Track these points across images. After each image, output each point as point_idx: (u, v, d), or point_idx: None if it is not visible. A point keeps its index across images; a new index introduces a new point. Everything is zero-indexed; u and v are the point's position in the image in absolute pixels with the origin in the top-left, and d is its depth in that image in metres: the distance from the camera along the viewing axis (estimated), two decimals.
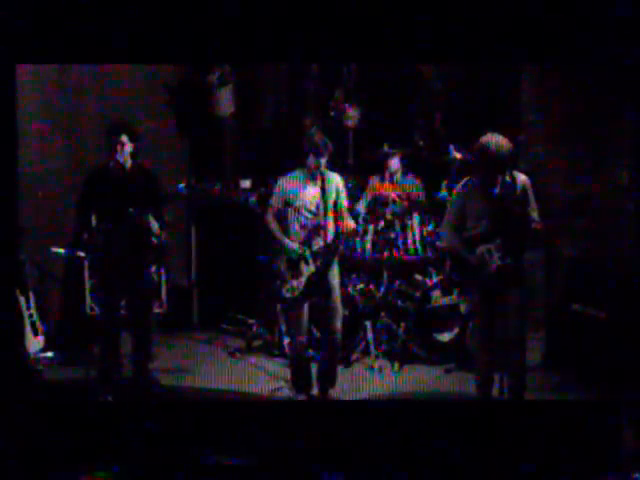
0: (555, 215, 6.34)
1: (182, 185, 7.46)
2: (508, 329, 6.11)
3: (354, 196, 7.97)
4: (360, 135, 8.95)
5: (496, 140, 6.02)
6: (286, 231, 6.65)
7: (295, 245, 6.59)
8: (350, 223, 6.69)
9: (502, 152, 5.99)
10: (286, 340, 7.56)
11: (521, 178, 6.11)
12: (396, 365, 7.53)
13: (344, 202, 6.70)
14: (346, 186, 6.93)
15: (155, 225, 6.68)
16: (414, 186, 8.12)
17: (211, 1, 6.36)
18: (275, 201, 6.67)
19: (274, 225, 6.66)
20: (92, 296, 7.99)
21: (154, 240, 6.72)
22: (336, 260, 6.67)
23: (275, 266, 6.71)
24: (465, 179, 6.23)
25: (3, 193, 6.47)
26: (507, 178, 6.07)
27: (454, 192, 6.30)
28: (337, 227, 6.66)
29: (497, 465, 5.72)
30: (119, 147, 6.63)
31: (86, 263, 7.96)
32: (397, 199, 7.95)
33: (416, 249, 7.89)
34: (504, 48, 6.39)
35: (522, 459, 5.77)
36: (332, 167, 6.72)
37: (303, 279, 6.56)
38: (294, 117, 9.28)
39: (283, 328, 7.76)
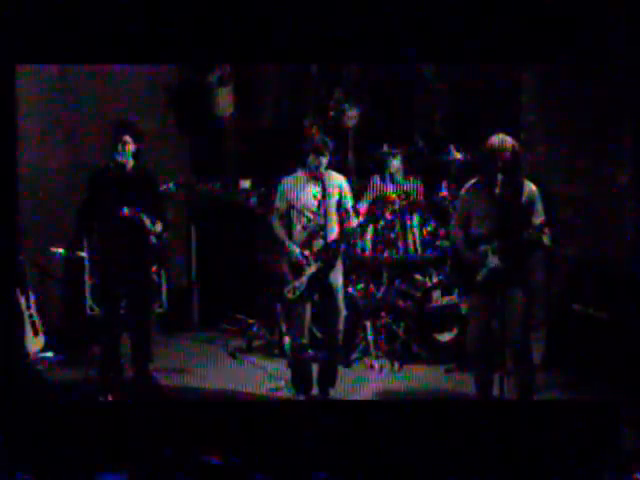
0: (555, 215, 6.33)
1: (172, 184, 7.49)
2: (512, 331, 6.11)
3: (356, 196, 7.96)
4: (360, 135, 8.94)
5: (500, 139, 6.02)
6: (289, 231, 6.64)
7: (298, 250, 6.57)
8: (353, 223, 6.68)
9: (502, 151, 5.99)
10: (286, 340, 7.56)
11: (530, 187, 6.10)
12: (396, 365, 7.54)
13: (348, 202, 6.70)
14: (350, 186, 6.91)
15: (158, 225, 6.67)
16: (415, 187, 8.12)
17: (211, 1, 6.36)
18: (278, 203, 6.67)
19: (279, 228, 6.65)
20: (92, 296, 8.00)
21: (153, 240, 6.72)
22: (339, 261, 6.66)
23: (277, 266, 6.72)
24: (473, 179, 6.24)
25: (3, 193, 6.46)
26: (518, 183, 6.05)
27: (462, 190, 6.30)
28: (341, 227, 6.65)
29: (497, 465, 5.72)
30: (121, 147, 6.61)
31: (86, 263, 7.97)
32: (397, 199, 7.94)
33: (416, 249, 7.89)
34: (504, 48, 6.39)
35: (522, 459, 5.76)
36: (333, 167, 6.72)
37: (305, 279, 6.56)
38: (294, 117, 9.28)
39: (283, 328, 7.77)
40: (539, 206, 6.09)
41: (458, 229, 6.26)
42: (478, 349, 6.26)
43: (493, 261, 6.04)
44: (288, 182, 6.66)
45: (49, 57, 6.61)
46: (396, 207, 7.87)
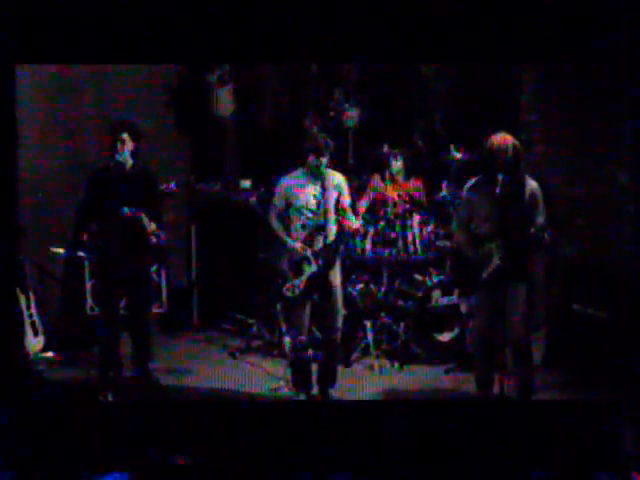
0: (555, 215, 6.33)
1: (173, 183, 7.48)
2: (513, 330, 6.12)
3: (355, 196, 7.95)
4: (360, 135, 8.94)
5: (500, 138, 6.03)
6: (288, 231, 6.64)
7: (296, 244, 6.58)
8: (353, 222, 6.68)
9: (503, 150, 5.99)
10: (286, 340, 7.55)
11: (531, 184, 6.10)
12: (396, 365, 7.54)
13: (347, 201, 6.70)
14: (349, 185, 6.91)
15: (152, 224, 6.66)
16: (415, 187, 8.12)
17: (211, 1, 6.36)
18: (277, 201, 6.67)
19: (276, 225, 6.66)
20: (92, 296, 7.99)
21: (153, 240, 6.72)
22: (338, 260, 6.66)
23: (277, 265, 6.72)
24: (475, 178, 6.25)
25: (3, 193, 6.46)
26: (519, 181, 6.05)
27: (464, 190, 6.32)
28: (340, 226, 6.66)
29: (497, 465, 5.72)
30: (120, 146, 6.62)
31: (86, 263, 7.96)
32: (398, 200, 7.94)
33: (416, 249, 7.89)
34: (504, 48, 6.39)
35: (522, 459, 5.76)
36: (333, 167, 6.72)
37: (304, 278, 6.56)
38: (294, 117, 9.28)
39: (283, 328, 7.76)
40: (541, 204, 6.09)
41: (460, 229, 6.27)
42: (480, 348, 6.26)
43: (496, 260, 6.04)
44: (287, 181, 6.66)
45: (49, 57, 6.61)
46: (398, 210, 7.87)
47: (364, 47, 6.43)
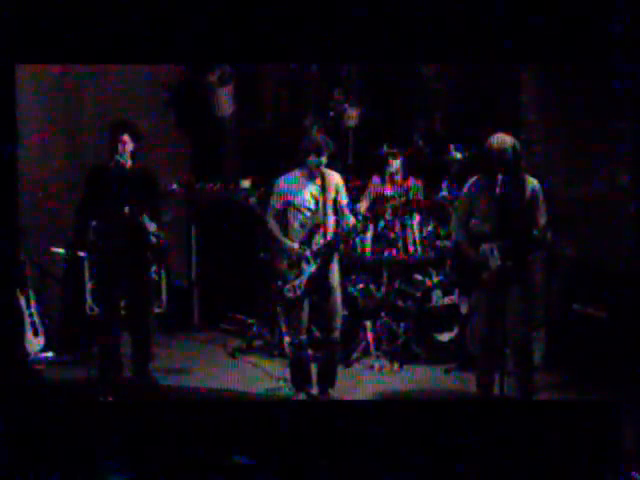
0: (555, 215, 6.33)
1: (175, 184, 7.50)
2: (513, 330, 6.11)
3: (355, 196, 7.95)
4: (360, 135, 8.94)
5: (499, 139, 6.02)
6: (286, 230, 6.64)
7: (294, 245, 6.58)
8: (351, 219, 6.68)
9: (503, 151, 5.99)
10: (286, 340, 7.56)
11: (532, 183, 6.10)
12: (396, 365, 7.54)
13: (344, 199, 6.69)
14: (347, 185, 6.90)
15: (152, 225, 6.67)
16: (414, 187, 8.12)
17: (211, 1, 6.36)
18: (275, 201, 6.66)
19: (274, 225, 6.66)
20: (92, 296, 8.00)
21: (153, 240, 6.72)
22: (336, 259, 6.66)
23: (276, 265, 6.72)
24: (474, 176, 6.25)
25: (3, 193, 6.46)
26: (519, 181, 6.05)
27: (464, 187, 6.32)
28: (338, 225, 6.65)
29: (497, 465, 5.72)
30: (120, 146, 6.61)
31: (86, 263, 7.97)
32: (397, 200, 7.93)
33: (416, 249, 7.89)
34: (504, 48, 6.39)
35: (522, 459, 5.76)
36: (332, 167, 6.72)
37: (304, 278, 6.55)
38: (294, 117, 9.28)
39: (283, 328, 7.76)
40: (542, 203, 6.09)
41: (459, 226, 6.26)
42: (481, 348, 6.26)
43: (497, 261, 6.03)
44: (285, 180, 6.65)
45: (49, 57, 6.61)
46: (396, 203, 7.86)
47: (364, 47, 6.43)
